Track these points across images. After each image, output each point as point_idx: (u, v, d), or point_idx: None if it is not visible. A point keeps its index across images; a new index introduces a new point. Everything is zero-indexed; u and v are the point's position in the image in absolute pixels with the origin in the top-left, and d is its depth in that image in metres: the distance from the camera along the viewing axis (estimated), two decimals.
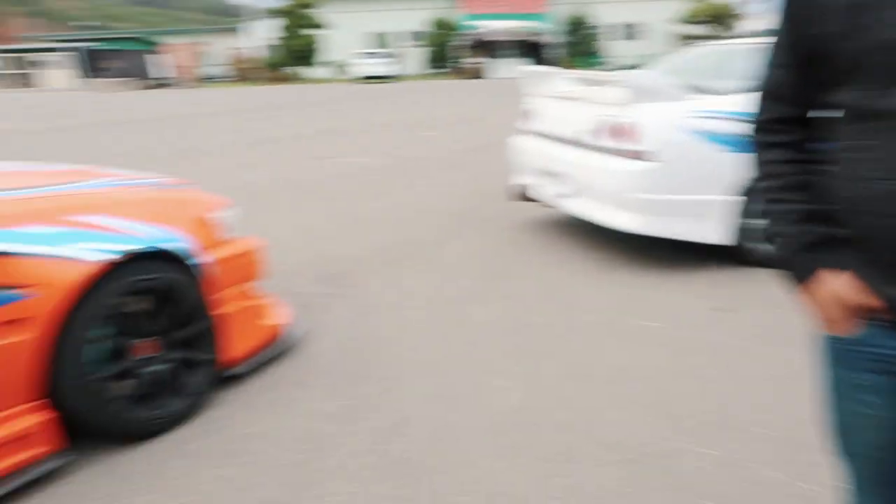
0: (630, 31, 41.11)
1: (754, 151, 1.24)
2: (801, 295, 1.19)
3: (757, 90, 1.24)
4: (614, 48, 40.22)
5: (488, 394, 2.80)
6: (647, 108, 4.18)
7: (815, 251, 1.14)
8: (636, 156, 4.17)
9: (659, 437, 2.46)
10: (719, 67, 5.19)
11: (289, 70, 39.43)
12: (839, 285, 1.11)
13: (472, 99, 20.28)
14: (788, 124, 1.19)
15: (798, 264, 1.17)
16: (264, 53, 40.91)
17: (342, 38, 39.79)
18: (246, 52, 41.96)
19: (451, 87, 27.24)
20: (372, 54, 36.17)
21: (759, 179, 1.23)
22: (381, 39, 41.33)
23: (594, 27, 39.72)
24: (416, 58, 40.63)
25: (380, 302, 3.88)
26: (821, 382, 1.25)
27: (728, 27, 32.75)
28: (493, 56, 38.02)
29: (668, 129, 4.16)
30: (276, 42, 39.48)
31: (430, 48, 40.34)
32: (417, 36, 40.99)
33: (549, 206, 5.15)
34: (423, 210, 6.12)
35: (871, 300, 1.08)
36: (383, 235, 5.30)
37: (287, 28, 38.90)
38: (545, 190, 4.95)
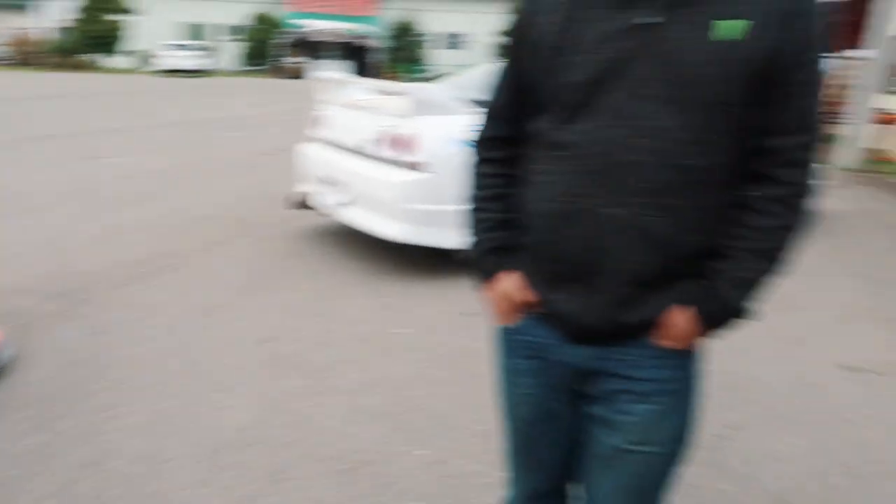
0: (454, 41, 42.42)
1: (473, 162, 1.38)
2: (483, 291, 1.36)
3: (483, 109, 1.36)
4: (437, 56, 41.28)
5: (215, 414, 2.67)
6: (426, 121, 4.28)
7: (497, 254, 1.32)
8: (412, 166, 4.24)
9: (379, 444, 2.50)
10: None
11: (85, 57, 35.74)
12: (509, 284, 1.30)
13: (287, 99, 19.73)
14: (502, 142, 1.32)
15: (482, 265, 1.35)
16: (55, 36, 36.73)
17: (153, 26, 36.86)
18: (33, 33, 37.37)
19: (267, 86, 26.30)
20: (182, 46, 33.82)
21: (471, 189, 1.37)
22: (197, 31, 38.89)
23: (420, 34, 40.48)
24: (232, 53, 38.74)
25: (118, 319, 3.56)
26: (495, 369, 1.42)
27: None
28: (315, 57, 37.36)
29: (442, 142, 4.28)
30: (71, 25, 35.62)
31: (250, 44, 38.70)
32: (236, 30, 39.14)
33: (327, 215, 5.10)
34: (199, 217, 5.78)
35: (531, 297, 1.27)
36: (146, 245, 4.91)
37: (86, 10, 35.25)
38: (325, 198, 4.90)
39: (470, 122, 4.99)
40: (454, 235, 4.38)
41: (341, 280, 4.37)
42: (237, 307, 3.82)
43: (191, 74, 32.25)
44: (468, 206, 1.37)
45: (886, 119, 11.23)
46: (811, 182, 1.13)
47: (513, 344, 1.34)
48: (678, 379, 1.24)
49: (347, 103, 4.96)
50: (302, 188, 5.21)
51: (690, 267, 1.17)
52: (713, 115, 1.07)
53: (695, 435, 1.29)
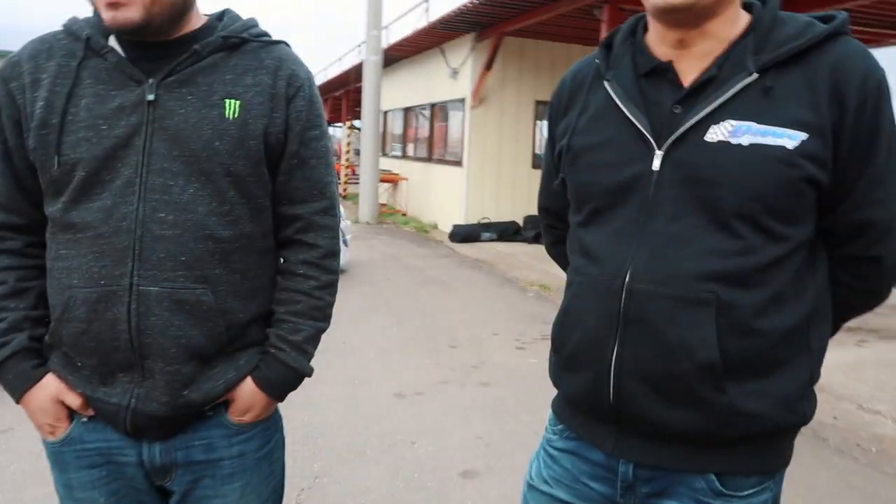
0: None
1: None
2: (20, 402, 1.15)
3: None
4: None
5: None
6: None
7: (26, 359, 1.13)
8: None
9: None
10: None
11: None
12: (48, 390, 1.13)
13: None
14: (11, 231, 1.15)
15: (9, 373, 1.13)
16: None
17: None
18: None
19: None
20: None
21: None
22: None
23: None
24: None
25: None
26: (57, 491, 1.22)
27: None
28: None
29: None
30: None
31: None
32: None
33: None
34: None
35: (75, 400, 1.14)
36: None
37: None
38: None
39: None
40: None
41: None
42: None
43: None
44: None
45: (387, 179, 13.48)
46: (335, 241, 1.25)
47: (69, 457, 1.16)
48: (257, 449, 1.23)
49: None
50: None
51: (247, 335, 1.18)
52: (225, 187, 1.10)
53: (282, 497, 1.31)
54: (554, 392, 1.22)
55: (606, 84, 1.08)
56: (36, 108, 1.07)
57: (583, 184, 1.10)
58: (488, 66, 9.92)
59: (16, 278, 1.14)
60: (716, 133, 0.97)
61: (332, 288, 1.24)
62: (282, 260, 1.23)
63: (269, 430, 1.25)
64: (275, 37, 1.19)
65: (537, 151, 10.95)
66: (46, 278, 1.14)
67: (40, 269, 1.15)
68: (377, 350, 4.72)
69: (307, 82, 1.18)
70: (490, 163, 10.62)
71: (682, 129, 0.99)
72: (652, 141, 1.01)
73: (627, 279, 1.00)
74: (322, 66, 22.26)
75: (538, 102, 10.63)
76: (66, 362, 1.13)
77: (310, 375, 1.23)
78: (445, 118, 11.69)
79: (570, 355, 1.11)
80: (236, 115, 1.09)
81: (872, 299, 1.11)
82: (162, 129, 1.06)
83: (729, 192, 0.96)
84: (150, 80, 1.07)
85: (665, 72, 1.04)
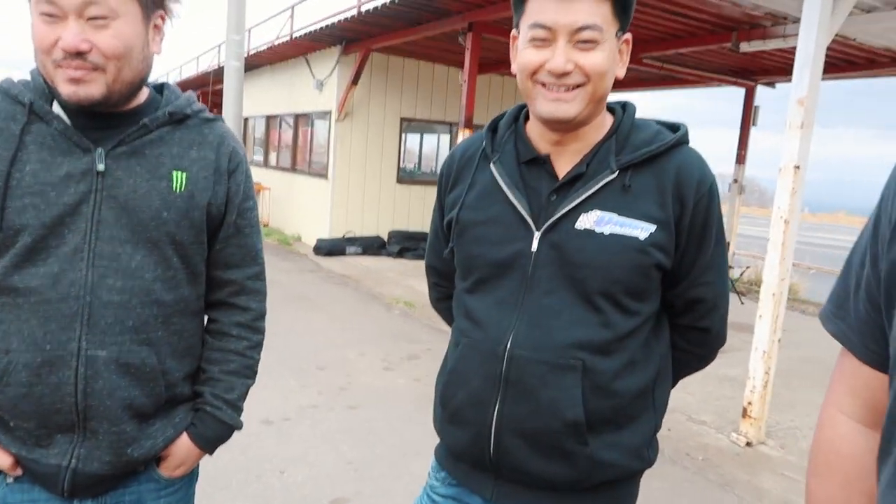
0: None
1: None
2: None
3: None
4: None
5: None
6: None
7: None
8: None
9: None
10: None
11: None
12: None
13: None
14: None
15: None
16: None
17: None
18: None
19: None
20: None
21: None
22: None
23: None
24: None
25: None
26: None
27: None
28: None
29: None
30: None
31: None
32: None
33: None
34: None
35: (5, 460, 1.14)
36: None
37: None
38: None
39: None
40: None
41: None
42: None
43: None
44: None
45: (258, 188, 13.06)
46: (264, 304, 1.34)
47: None
48: (180, 500, 1.30)
49: None
50: None
51: (181, 392, 1.24)
52: (170, 254, 1.16)
53: None
54: (422, 415, 1.35)
55: (492, 167, 1.22)
56: None
57: (470, 255, 1.22)
58: (354, 80, 9.96)
59: None
60: (584, 221, 1.13)
61: (260, 347, 1.33)
62: (212, 321, 1.30)
63: (192, 480, 1.33)
64: None
65: (402, 166, 11.14)
66: None
67: None
68: None
69: (244, 158, 1.27)
70: (355, 176, 10.64)
71: (556, 216, 1.14)
72: (531, 223, 1.15)
73: (509, 345, 1.14)
74: (177, 64, 21.16)
75: (403, 119, 10.82)
76: (2, 424, 1.12)
77: (240, 429, 1.32)
78: (310, 128, 11.56)
79: (455, 411, 1.22)
80: (183, 188, 1.15)
81: (703, 360, 1.34)
82: (111, 198, 1.10)
83: (594, 274, 1.12)
84: (99, 150, 1.09)
85: (543, 163, 1.19)
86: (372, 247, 10.39)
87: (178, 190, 1.15)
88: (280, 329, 5.86)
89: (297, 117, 11.98)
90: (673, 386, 1.32)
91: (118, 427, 1.13)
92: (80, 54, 1.02)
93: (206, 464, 3.20)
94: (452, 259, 1.29)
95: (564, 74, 1.09)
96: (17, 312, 1.08)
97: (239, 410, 1.31)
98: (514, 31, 1.18)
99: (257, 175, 13.72)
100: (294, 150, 12.22)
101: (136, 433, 1.16)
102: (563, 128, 1.16)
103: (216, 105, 14.36)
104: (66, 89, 1.04)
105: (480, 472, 1.22)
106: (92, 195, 1.10)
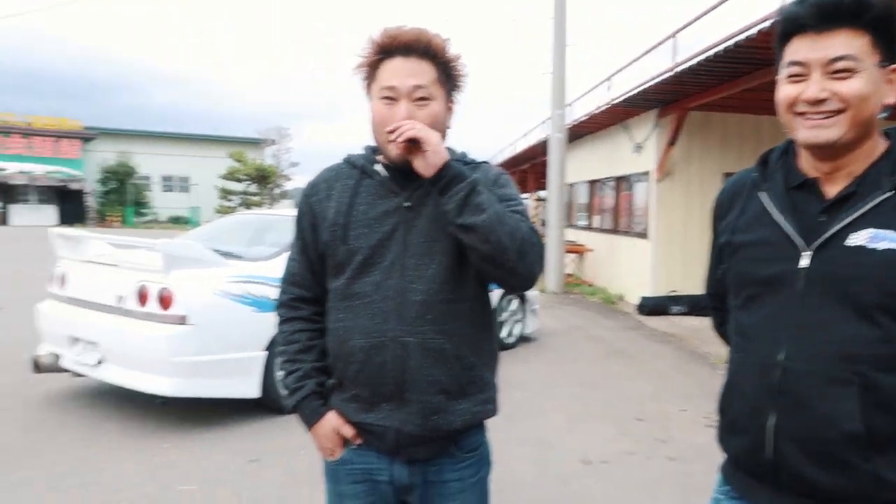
0: (176, 184, 41.01)
1: (278, 322, 1.62)
2: (309, 432, 1.58)
3: (283, 277, 1.63)
4: (158, 199, 39.45)
5: None
6: (182, 274, 4.30)
7: (315, 399, 1.55)
8: (170, 320, 4.19)
9: None
10: (251, 235, 5.70)
11: None
12: (330, 423, 1.55)
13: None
14: (303, 303, 1.60)
15: (303, 410, 1.57)
16: None
17: None
18: None
19: None
20: None
21: (280, 344, 1.61)
22: None
23: (137, 176, 38.32)
24: None
25: None
26: (326, 496, 1.64)
27: (270, 186, 34.98)
28: (12, 201, 33.22)
29: (202, 293, 4.33)
30: None
31: None
32: None
33: (78, 376, 4.70)
34: None
35: (349, 431, 1.53)
36: None
37: None
38: (74, 358, 4.53)
39: (224, 273, 5.03)
40: (230, 383, 4.38)
41: (102, 444, 4.03)
42: None
43: None
44: (282, 361, 1.61)
45: (573, 249, 13.72)
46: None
47: (340, 473, 1.58)
48: (471, 476, 1.60)
49: (90, 258, 4.79)
50: (48, 349, 4.75)
51: (480, 377, 1.54)
52: (463, 263, 1.47)
53: None
54: None
55: (761, 194, 1.33)
56: (328, 213, 1.52)
57: (740, 273, 1.34)
58: (672, 141, 9.97)
59: (306, 338, 1.57)
60: (855, 239, 1.17)
61: (527, 241, 1.45)
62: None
63: (480, 462, 1.63)
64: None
65: None
66: (327, 337, 1.54)
67: (322, 331, 1.56)
68: (564, 416, 4.95)
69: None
70: (676, 236, 10.51)
71: (828, 234, 1.20)
72: (801, 243, 1.23)
73: (782, 357, 1.21)
74: (510, 141, 23.43)
75: (726, 174, 10.42)
76: (346, 397, 1.52)
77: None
78: (630, 191, 11.80)
79: (732, 420, 1.32)
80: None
81: None
82: (414, 226, 1.48)
83: (869, 288, 1.15)
84: (405, 193, 1.51)
85: (812, 186, 1.27)
86: (697, 305, 10.04)
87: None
88: (600, 379, 6.10)
89: (618, 180, 12.34)
90: None
91: (427, 399, 1.45)
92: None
93: (530, 488, 3.57)
94: (724, 280, 1.42)
95: (819, 101, 1.17)
96: (354, 312, 1.48)
97: (480, 196, 1.41)
98: (777, 77, 1.27)
99: (581, 237, 14.36)
100: (615, 212, 12.55)
101: (441, 405, 1.47)
102: (828, 153, 1.22)
103: (542, 174, 15.51)
104: (395, 153, 1.44)
105: (759, 482, 1.28)
106: (400, 225, 1.48)
